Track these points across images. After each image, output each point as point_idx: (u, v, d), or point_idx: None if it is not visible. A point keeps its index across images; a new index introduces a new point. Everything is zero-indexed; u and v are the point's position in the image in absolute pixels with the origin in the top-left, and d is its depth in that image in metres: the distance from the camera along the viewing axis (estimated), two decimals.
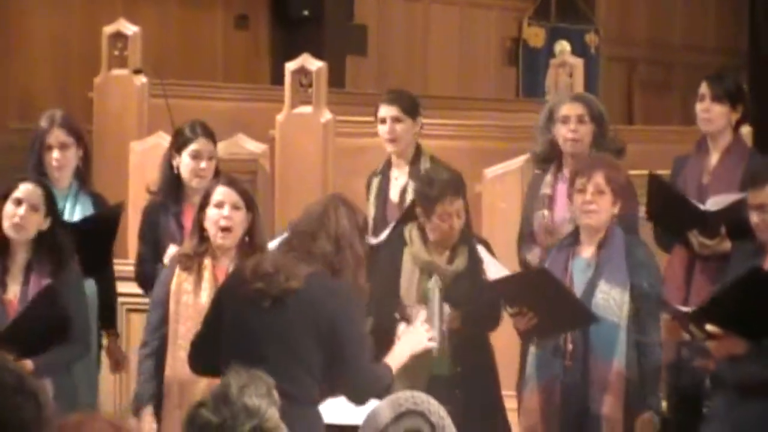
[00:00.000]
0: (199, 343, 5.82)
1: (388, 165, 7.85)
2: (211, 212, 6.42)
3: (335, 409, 6.40)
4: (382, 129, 7.77)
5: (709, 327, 6.18)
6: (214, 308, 5.79)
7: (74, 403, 6.50)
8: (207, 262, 6.46)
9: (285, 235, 7.15)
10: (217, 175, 7.17)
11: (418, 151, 7.78)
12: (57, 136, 7.26)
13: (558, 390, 6.65)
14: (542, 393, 6.69)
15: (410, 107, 7.83)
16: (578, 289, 6.61)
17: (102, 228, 7.19)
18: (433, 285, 6.82)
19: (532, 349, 6.78)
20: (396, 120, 7.76)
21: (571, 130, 7.35)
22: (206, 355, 5.74)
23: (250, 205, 6.48)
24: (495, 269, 6.74)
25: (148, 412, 6.47)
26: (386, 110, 7.79)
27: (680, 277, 7.32)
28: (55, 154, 7.25)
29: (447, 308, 6.82)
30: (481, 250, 6.87)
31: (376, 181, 7.86)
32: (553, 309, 6.56)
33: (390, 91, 8.07)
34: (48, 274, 6.56)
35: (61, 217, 6.88)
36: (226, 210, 6.41)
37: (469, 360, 6.94)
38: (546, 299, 6.54)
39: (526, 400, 6.78)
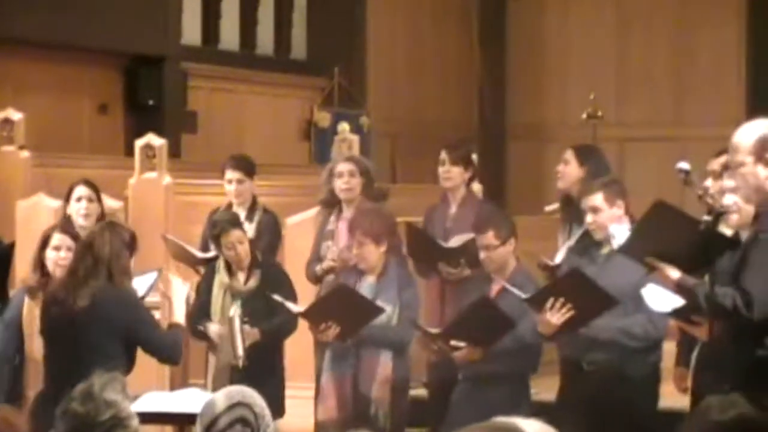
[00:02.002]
0: None
1: (229, 207, 7.77)
2: (50, 254, 6.39)
3: (176, 400, 6.32)
4: (230, 187, 7.72)
5: (453, 342, 6.29)
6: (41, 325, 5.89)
7: None
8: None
9: (154, 272, 7.18)
10: (103, 217, 7.19)
11: (254, 198, 7.76)
12: None
13: (349, 380, 6.65)
14: (336, 382, 6.68)
15: (250, 170, 7.79)
16: None
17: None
18: (234, 313, 6.78)
19: (328, 351, 6.76)
20: (239, 181, 7.73)
21: (344, 182, 7.37)
22: None
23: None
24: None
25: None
26: (233, 173, 7.74)
27: (436, 298, 7.40)
28: None
29: (247, 328, 6.79)
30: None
31: None
32: (351, 311, 6.52)
33: (238, 156, 7.94)
34: None
35: None
36: (63, 252, 6.36)
37: (258, 358, 6.89)
38: (346, 307, 6.51)
39: (323, 388, 6.75)
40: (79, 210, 7.33)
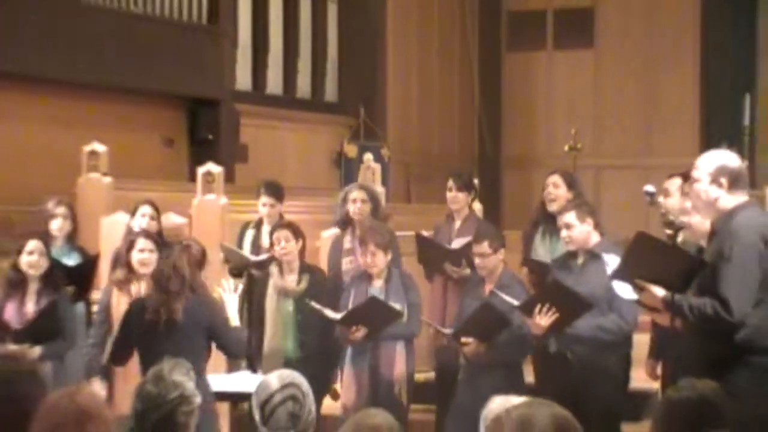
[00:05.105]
0: (116, 345, 6.00)
1: (260, 223, 7.83)
2: (136, 255, 6.51)
3: (231, 381, 6.37)
4: (264, 209, 7.78)
5: (463, 339, 6.36)
6: (125, 324, 5.93)
7: (64, 381, 6.36)
8: (134, 283, 6.50)
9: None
10: (160, 233, 7.30)
11: (282, 216, 7.82)
12: (62, 212, 7.43)
13: (366, 371, 6.69)
14: (356, 374, 6.73)
15: (280, 196, 7.87)
16: None
17: (84, 271, 7.15)
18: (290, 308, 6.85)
19: (349, 348, 6.80)
20: (272, 206, 7.79)
21: (357, 208, 7.43)
22: (120, 353, 5.95)
23: (159, 248, 6.55)
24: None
25: (97, 380, 6.38)
26: (267, 199, 7.80)
27: (439, 295, 7.44)
28: (56, 224, 7.38)
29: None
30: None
31: (251, 232, 7.83)
32: (377, 316, 6.60)
33: (271, 185, 7.97)
34: (50, 295, 6.54)
35: (56, 262, 6.87)
36: (146, 254, 6.50)
37: (309, 348, 6.94)
38: (374, 313, 6.61)
39: (345, 380, 6.79)
40: (141, 225, 7.31)
